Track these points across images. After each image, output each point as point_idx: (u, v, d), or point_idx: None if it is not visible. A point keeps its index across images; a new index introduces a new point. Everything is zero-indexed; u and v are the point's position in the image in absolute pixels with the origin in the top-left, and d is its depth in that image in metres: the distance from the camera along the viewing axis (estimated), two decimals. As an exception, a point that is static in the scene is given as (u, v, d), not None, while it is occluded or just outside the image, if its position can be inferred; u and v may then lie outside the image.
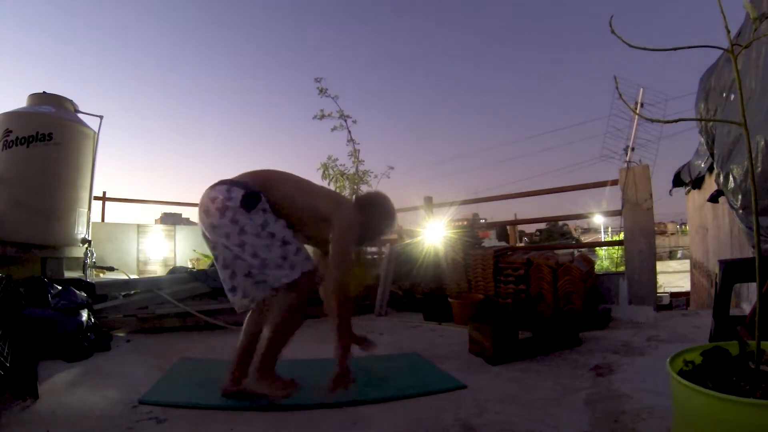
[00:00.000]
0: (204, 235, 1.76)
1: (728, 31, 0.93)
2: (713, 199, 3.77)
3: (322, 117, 4.98)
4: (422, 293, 4.07)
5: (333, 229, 1.71)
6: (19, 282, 2.46)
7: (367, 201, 1.99)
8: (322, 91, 4.88)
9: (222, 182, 1.70)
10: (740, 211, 2.14)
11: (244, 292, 1.75)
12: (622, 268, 4.37)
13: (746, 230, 2.20)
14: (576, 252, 4.93)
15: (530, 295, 3.33)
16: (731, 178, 2.16)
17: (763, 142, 1.80)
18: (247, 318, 1.85)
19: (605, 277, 3.73)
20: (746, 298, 3.14)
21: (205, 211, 1.66)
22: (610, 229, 20.34)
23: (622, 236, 3.70)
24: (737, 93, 2.00)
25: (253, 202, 1.62)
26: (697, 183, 4.80)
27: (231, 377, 1.75)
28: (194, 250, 5.76)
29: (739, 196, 2.10)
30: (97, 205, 5.17)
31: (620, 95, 1.01)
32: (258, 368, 1.62)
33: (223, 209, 1.60)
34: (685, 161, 5.09)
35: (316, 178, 5.32)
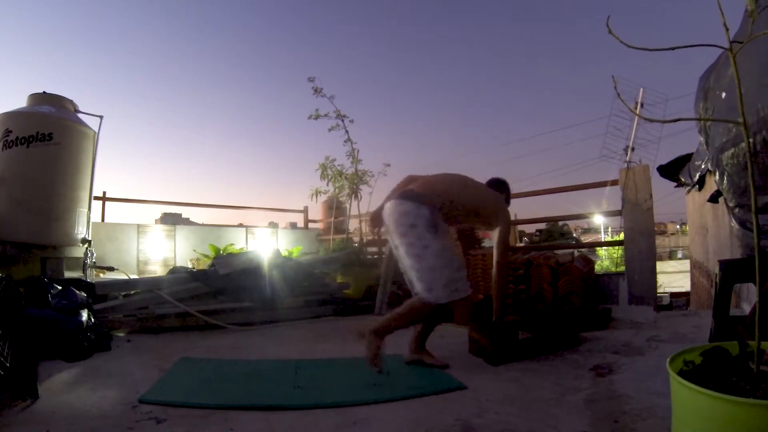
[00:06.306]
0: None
1: (727, 29, 0.93)
2: (713, 199, 3.77)
3: (317, 117, 4.95)
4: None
5: (500, 222, 2.26)
6: (19, 282, 2.46)
7: (503, 186, 2.48)
8: (317, 91, 4.85)
9: (411, 197, 2.06)
10: (737, 210, 2.14)
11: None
12: (622, 268, 4.37)
13: (738, 228, 2.19)
14: (576, 252, 4.92)
15: (530, 295, 3.33)
16: (725, 177, 2.17)
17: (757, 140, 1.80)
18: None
19: (605, 277, 3.73)
20: (746, 298, 3.13)
21: (395, 220, 2.06)
22: (610, 229, 20.32)
23: (622, 236, 3.70)
24: (731, 91, 2.00)
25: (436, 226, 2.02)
26: (698, 183, 4.79)
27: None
28: (194, 250, 5.75)
29: (731, 195, 2.10)
30: (97, 205, 5.18)
31: (618, 95, 1.01)
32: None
33: (413, 225, 2.00)
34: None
35: (314, 179, 5.31)
